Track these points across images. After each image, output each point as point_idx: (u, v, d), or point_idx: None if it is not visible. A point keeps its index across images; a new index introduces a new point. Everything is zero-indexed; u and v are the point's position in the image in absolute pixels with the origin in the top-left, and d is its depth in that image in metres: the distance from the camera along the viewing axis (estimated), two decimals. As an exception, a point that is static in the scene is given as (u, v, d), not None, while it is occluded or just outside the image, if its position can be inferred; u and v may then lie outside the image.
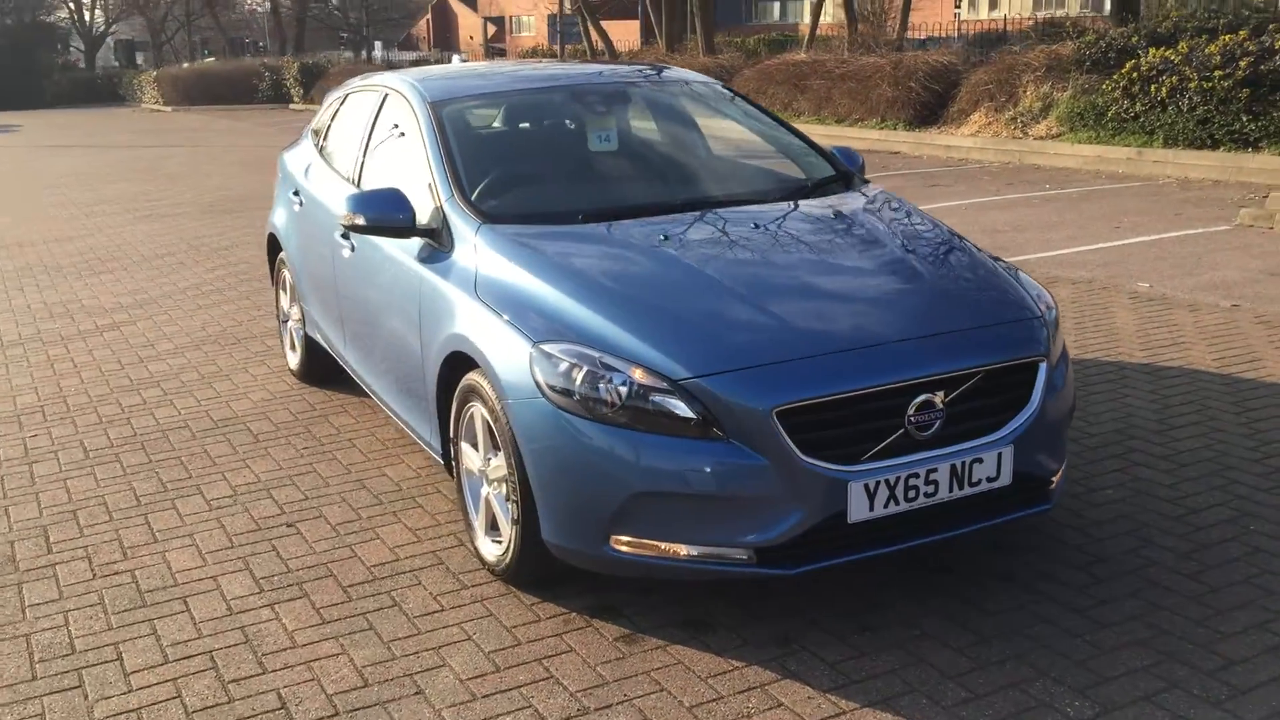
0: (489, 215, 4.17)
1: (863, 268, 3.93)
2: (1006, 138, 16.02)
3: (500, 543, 3.90)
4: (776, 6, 69.12)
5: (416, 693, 3.31)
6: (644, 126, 5.13)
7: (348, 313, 5.13)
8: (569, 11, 30.77)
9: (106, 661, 3.56)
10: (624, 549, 3.43)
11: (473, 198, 4.29)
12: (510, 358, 3.59)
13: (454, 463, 4.15)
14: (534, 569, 3.75)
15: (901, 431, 3.38)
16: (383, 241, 4.60)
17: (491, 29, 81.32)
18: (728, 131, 5.17)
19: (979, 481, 3.48)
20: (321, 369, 6.17)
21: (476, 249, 4.04)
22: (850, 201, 4.50)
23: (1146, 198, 11.93)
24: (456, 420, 4.04)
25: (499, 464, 3.78)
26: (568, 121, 5.04)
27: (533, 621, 3.67)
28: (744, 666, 3.36)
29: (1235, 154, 13.05)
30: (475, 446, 3.99)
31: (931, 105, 17.82)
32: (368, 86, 5.66)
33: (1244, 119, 13.06)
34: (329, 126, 5.94)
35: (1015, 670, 3.26)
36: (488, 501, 3.94)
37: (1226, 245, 9.11)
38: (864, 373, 3.35)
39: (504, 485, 3.80)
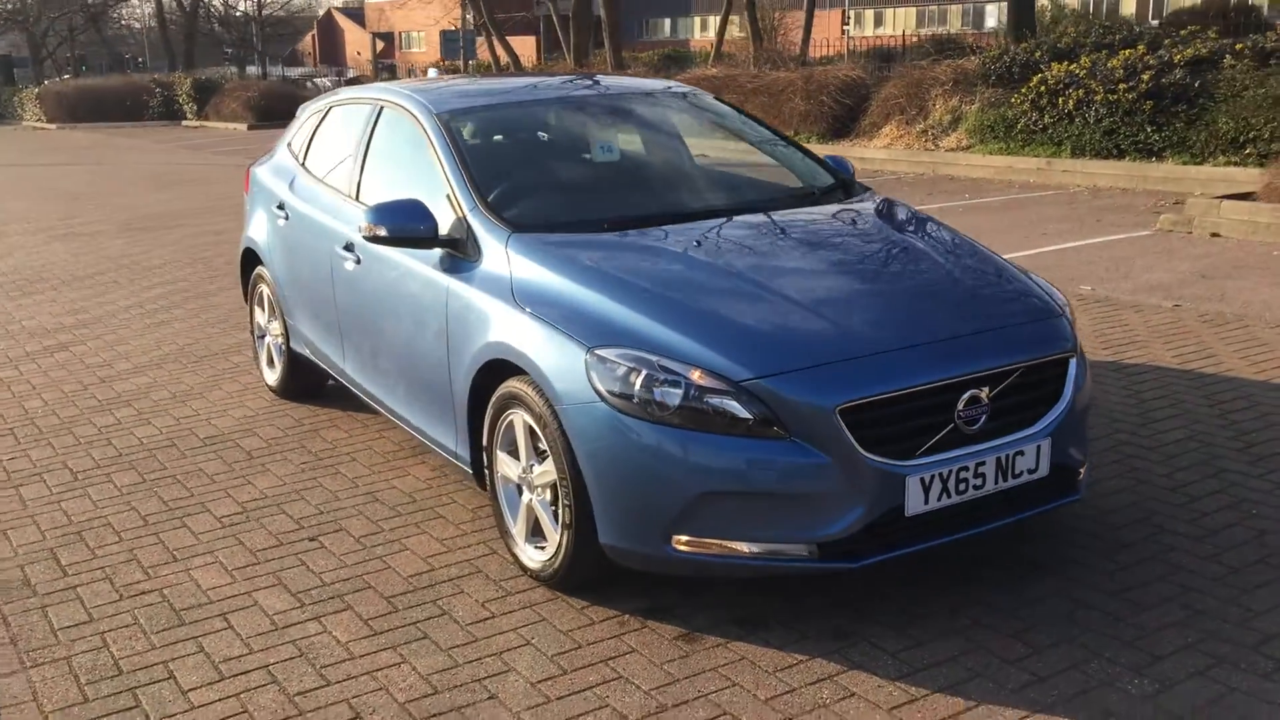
0: (517, 225, 4.20)
1: (895, 269, 4.06)
2: (919, 149, 16.45)
3: (544, 549, 3.93)
4: (667, 23, 69.86)
5: (490, 697, 3.33)
6: (647, 136, 5.21)
7: (350, 325, 5.09)
8: (470, 26, 30.73)
9: (159, 680, 3.50)
10: (685, 548, 3.49)
11: (495, 207, 4.31)
12: (563, 364, 3.63)
13: (487, 471, 4.16)
14: (585, 573, 3.79)
15: (951, 427, 3.51)
16: (394, 253, 4.60)
17: (380, 45, 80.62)
18: (726, 140, 5.28)
19: (1021, 473, 3.63)
20: (304, 384, 6.11)
21: (509, 258, 4.06)
22: (863, 206, 4.64)
23: (1064, 205, 12.38)
24: (491, 429, 4.06)
25: (545, 470, 3.82)
26: (572, 132, 5.10)
27: (587, 625, 3.71)
28: (808, 659, 3.44)
29: (1140, 163, 13.60)
30: (513, 454, 4.01)
31: (843, 118, 18.21)
32: (356, 99, 5.64)
33: (1148, 130, 13.63)
34: (311, 140, 5.89)
35: (1069, 653, 3.40)
36: (529, 508, 3.97)
37: (1152, 250, 9.52)
38: (919, 369, 3.48)
39: (549, 491, 3.84)
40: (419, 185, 4.64)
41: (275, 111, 32.94)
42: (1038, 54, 15.95)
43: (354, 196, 5.14)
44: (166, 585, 4.12)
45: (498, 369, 3.98)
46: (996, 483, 3.59)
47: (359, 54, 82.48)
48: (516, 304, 3.90)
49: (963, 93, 16.54)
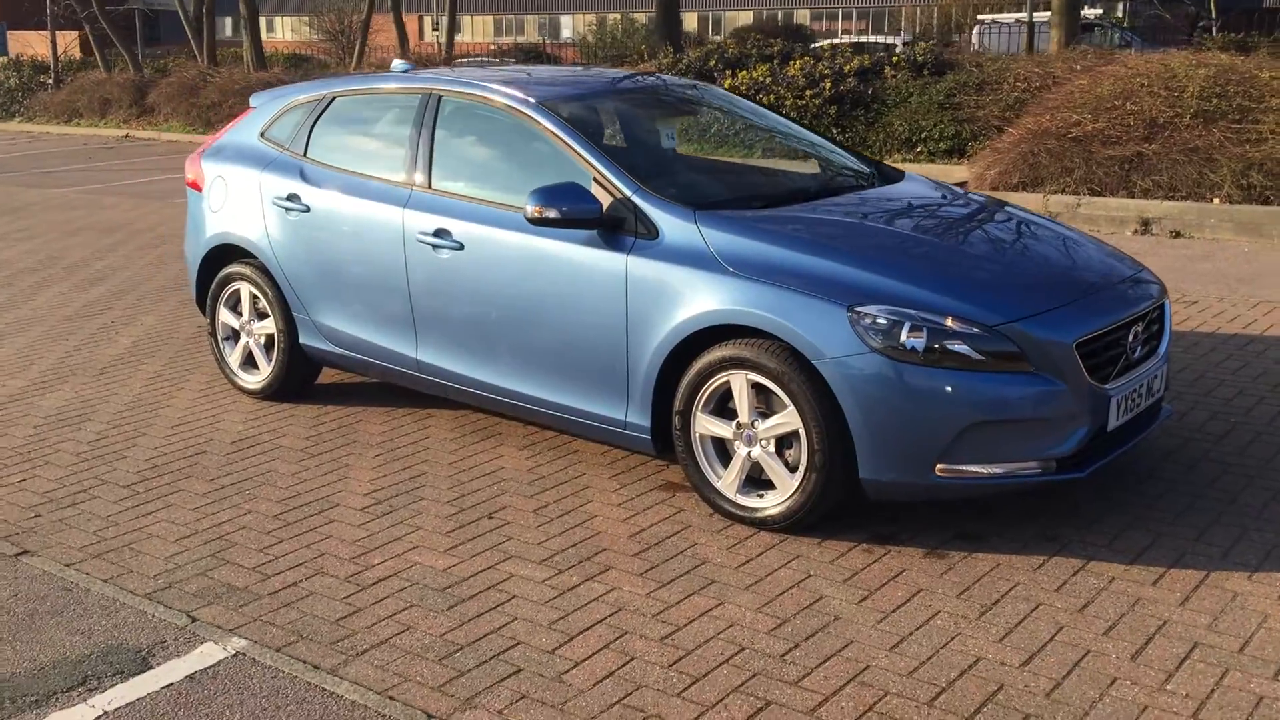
0: (696, 203, 4.54)
1: (1024, 231, 4.79)
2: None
3: (765, 496, 4.32)
4: (229, 22, 66.96)
5: (835, 619, 3.72)
6: (724, 123, 5.66)
7: (439, 312, 5.11)
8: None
9: (510, 647, 3.58)
10: (945, 475, 4.05)
11: (657, 189, 4.61)
12: (820, 322, 4.06)
13: (678, 434, 4.46)
14: (823, 511, 4.22)
15: (1125, 356, 4.30)
16: (521, 236, 4.76)
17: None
18: (763, 128, 5.86)
19: (1156, 392, 4.51)
20: (300, 383, 5.95)
21: (702, 233, 4.40)
22: (933, 186, 5.35)
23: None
24: (692, 394, 4.38)
25: (778, 422, 4.21)
26: (658, 120, 5.44)
27: (840, 555, 4.16)
28: (1048, 558, 4.10)
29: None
30: (717, 414, 4.36)
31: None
32: (382, 90, 5.64)
33: (834, 132, 15.28)
34: (311, 132, 5.75)
35: (1225, 530, 4.26)
36: (747, 460, 4.33)
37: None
38: (1115, 308, 4.27)
39: (774, 442, 4.25)
40: (536, 171, 4.83)
41: None
42: (712, 63, 17.38)
43: (427, 186, 5.17)
44: (397, 571, 4.10)
45: (705, 337, 4.32)
46: (1144, 401, 4.43)
47: None
48: (733, 274, 4.26)
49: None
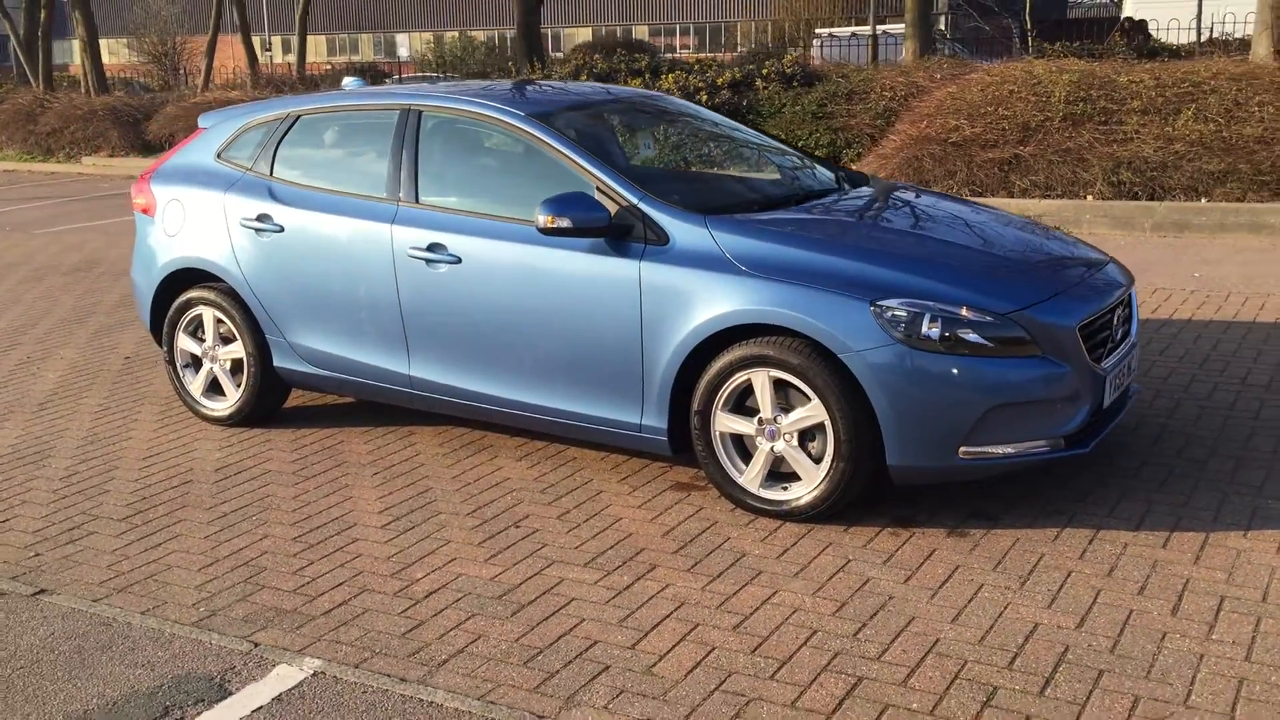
0: (704, 209, 4.68)
1: (999, 226, 5.06)
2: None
3: (789, 488, 4.48)
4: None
5: (890, 598, 3.90)
6: (695, 131, 5.79)
7: (434, 327, 5.10)
8: None
9: (590, 646, 3.64)
10: (967, 457, 4.27)
11: (662, 195, 4.73)
12: (844, 317, 4.24)
13: (696, 433, 4.58)
14: (849, 499, 4.39)
15: (1110, 338, 4.61)
16: (528, 249, 4.81)
17: None
18: (724, 133, 6.05)
19: (1132, 371, 4.84)
20: (271, 407, 5.86)
21: (715, 237, 4.54)
22: (904, 186, 5.60)
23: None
24: (711, 394, 4.51)
25: (802, 416, 4.38)
26: (638, 129, 5.54)
27: (869, 540, 4.34)
28: (1060, 529, 4.36)
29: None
30: (736, 413, 4.51)
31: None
32: (352, 107, 5.61)
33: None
34: (276, 151, 5.67)
35: (1208, 496, 4.59)
36: (770, 455, 4.47)
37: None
38: (1104, 294, 4.57)
39: (797, 435, 4.41)
40: (532, 183, 4.90)
41: None
42: (583, 77, 17.54)
43: (413, 201, 5.17)
44: (445, 583, 4.11)
45: (723, 338, 4.46)
46: (1127, 378, 4.76)
47: None
48: (750, 275, 4.41)
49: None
